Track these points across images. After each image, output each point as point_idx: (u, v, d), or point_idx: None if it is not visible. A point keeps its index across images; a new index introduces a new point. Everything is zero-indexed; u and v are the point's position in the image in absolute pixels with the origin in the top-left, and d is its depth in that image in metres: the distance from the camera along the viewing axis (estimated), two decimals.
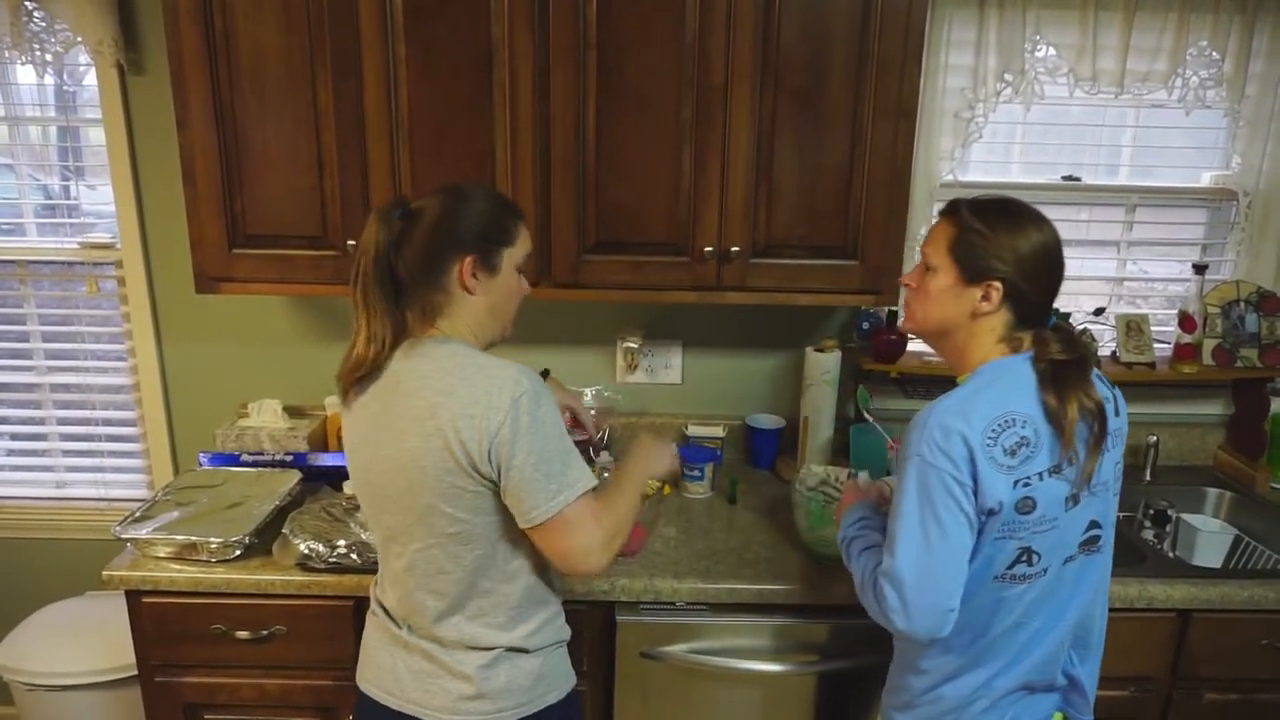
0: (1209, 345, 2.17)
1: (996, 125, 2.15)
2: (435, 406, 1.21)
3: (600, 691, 1.75)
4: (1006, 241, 1.25)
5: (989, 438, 1.20)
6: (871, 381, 2.19)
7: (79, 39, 2.02)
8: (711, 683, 1.72)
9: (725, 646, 1.70)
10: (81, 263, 2.26)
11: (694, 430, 2.20)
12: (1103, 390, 1.29)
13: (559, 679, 1.40)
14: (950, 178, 2.14)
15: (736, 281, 1.84)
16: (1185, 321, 2.15)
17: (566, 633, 1.43)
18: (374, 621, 1.42)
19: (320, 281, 1.86)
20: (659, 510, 1.97)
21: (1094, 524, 1.31)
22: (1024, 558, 1.25)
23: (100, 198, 2.24)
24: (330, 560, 1.68)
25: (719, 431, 2.18)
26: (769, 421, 2.21)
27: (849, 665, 1.70)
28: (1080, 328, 2.16)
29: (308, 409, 2.26)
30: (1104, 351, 2.20)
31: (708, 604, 1.69)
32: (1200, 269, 2.17)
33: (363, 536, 1.70)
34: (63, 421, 2.39)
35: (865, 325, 2.16)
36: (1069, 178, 2.22)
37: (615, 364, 2.23)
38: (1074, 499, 1.26)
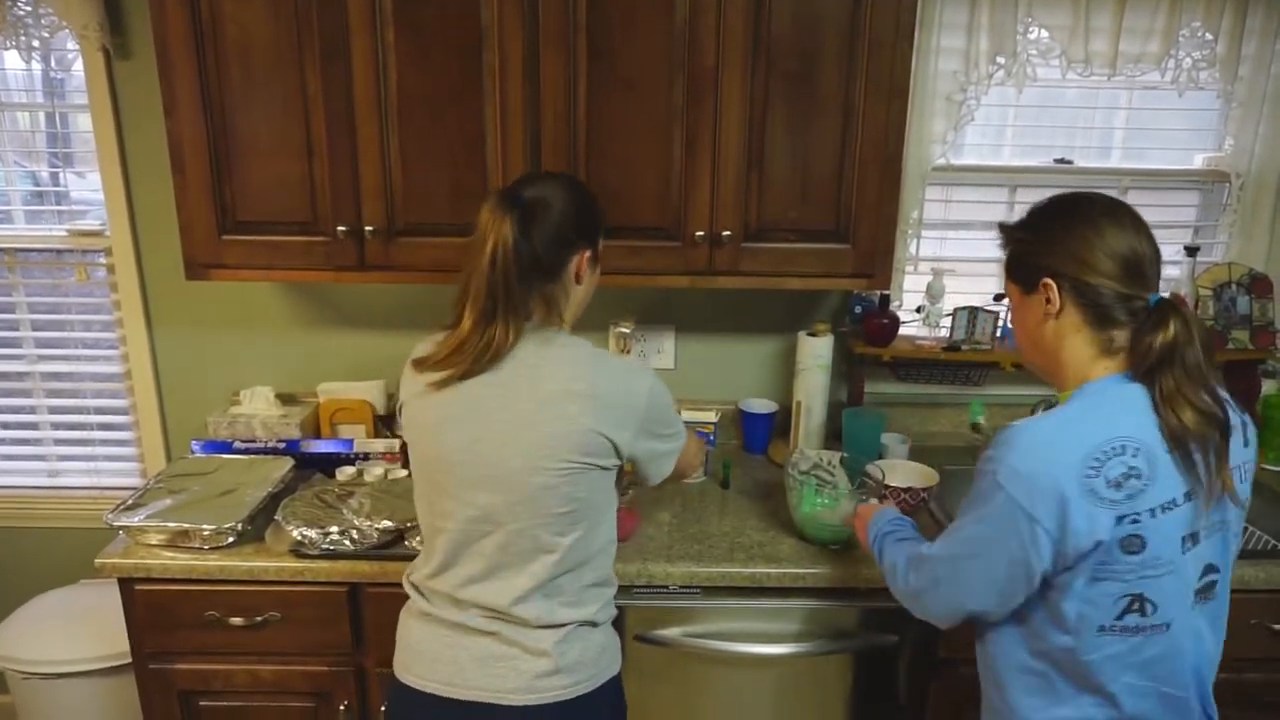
0: None
1: (989, 108, 2.15)
2: (576, 394, 1.27)
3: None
4: (1047, 238, 1.21)
5: (1090, 469, 1.10)
6: (864, 365, 2.19)
7: (64, 24, 2.00)
8: (706, 665, 1.73)
9: (719, 629, 1.70)
10: (71, 250, 2.25)
11: (687, 415, 2.20)
12: (1232, 417, 1.17)
13: (616, 651, 1.43)
14: (942, 161, 2.14)
15: (728, 265, 1.84)
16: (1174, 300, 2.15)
17: (615, 610, 1.45)
18: (418, 613, 1.38)
19: (311, 267, 1.85)
20: (652, 496, 1.97)
21: (1210, 568, 1.19)
22: (1135, 606, 1.14)
23: (89, 185, 2.23)
24: (323, 546, 1.68)
25: (712, 416, 2.19)
26: (762, 406, 2.21)
27: (844, 646, 1.71)
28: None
29: (300, 396, 2.25)
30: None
31: (701, 587, 1.69)
32: (1192, 251, 2.17)
33: (356, 523, 1.70)
34: (54, 410, 2.38)
35: (858, 309, 2.16)
36: (1061, 160, 2.22)
37: (608, 349, 2.23)
38: (1193, 538, 1.15)
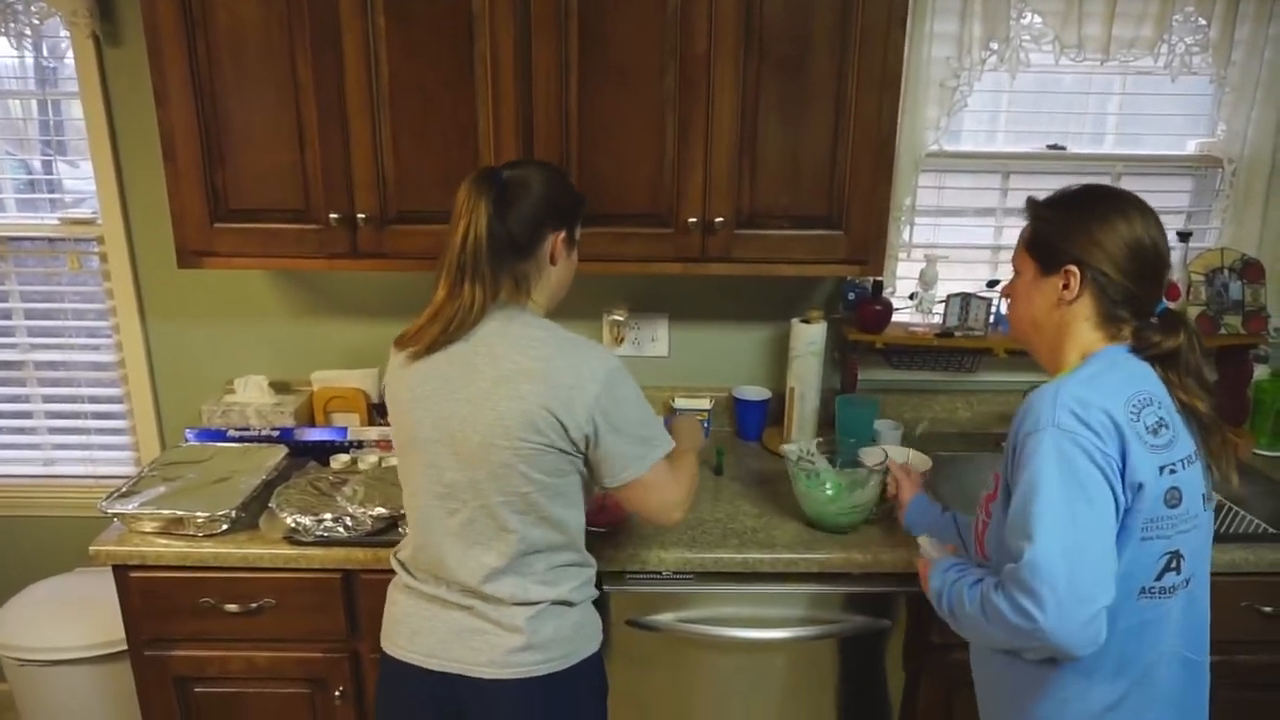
0: (1193, 312, 2.18)
1: (982, 94, 2.14)
2: (531, 373, 1.27)
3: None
4: (1080, 226, 1.21)
5: (1131, 412, 1.11)
6: (857, 352, 2.19)
7: (54, 10, 1.99)
8: (699, 650, 1.74)
9: (712, 615, 1.71)
10: (63, 239, 2.25)
11: (681, 403, 2.21)
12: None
13: (594, 630, 1.44)
14: (936, 147, 2.14)
15: (721, 252, 1.84)
16: (1169, 289, 2.15)
17: (596, 591, 1.47)
18: (403, 587, 1.42)
19: (304, 255, 1.85)
20: None
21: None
22: (1172, 564, 1.15)
23: (83, 174, 2.22)
24: (317, 534, 1.69)
25: (706, 404, 2.19)
26: (755, 393, 2.22)
27: (837, 631, 1.72)
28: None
29: (294, 384, 2.26)
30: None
31: (694, 573, 1.70)
32: (1184, 237, 2.17)
33: (350, 510, 1.71)
34: (48, 399, 2.38)
35: (851, 296, 2.16)
36: (1054, 146, 2.21)
37: (602, 337, 2.23)
38: (1208, 498, 1.20)
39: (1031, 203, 1.30)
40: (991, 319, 2.15)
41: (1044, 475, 1.09)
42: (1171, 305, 1.22)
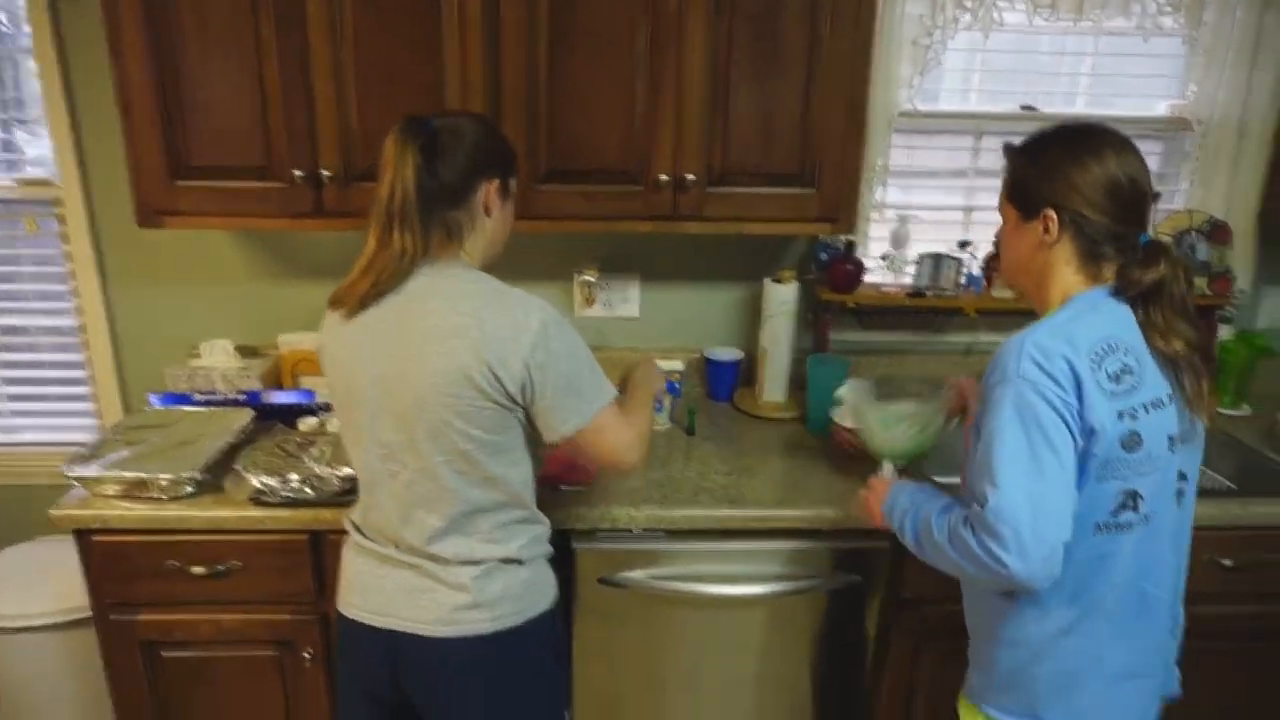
0: None
1: (956, 53, 2.13)
2: (463, 327, 1.24)
3: (560, 619, 1.76)
4: (1053, 170, 1.22)
5: (1093, 360, 1.14)
6: (829, 312, 2.19)
7: None
8: (671, 607, 1.75)
9: (684, 572, 1.71)
10: (20, 201, 2.18)
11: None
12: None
13: (547, 588, 1.43)
14: (909, 106, 2.13)
15: (693, 210, 1.82)
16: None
17: (550, 549, 1.45)
18: (355, 546, 1.41)
19: (268, 214, 1.81)
20: None
21: (1181, 474, 1.27)
22: (1129, 503, 1.19)
23: (42, 142, 2.15)
24: (284, 495, 1.67)
25: (678, 364, 2.18)
26: (727, 354, 2.21)
27: (808, 587, 1.72)
28: None
29: (261, 348, 2.22)
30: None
31: (665, 530, 1.70)
32: (1154, 198, 2.18)
33: (317, 470, 1.69)
34: (7, 365, 2.33)
35: (823, 256, 2.15)
36: (1026, 107, 2.21)
37: (573, 298, 2.21)
38: (1175, 441, 1.21)
39: (1008, 149, 1.31)
40: (963, 279, 2.15)
41: (1008, 423, 1.13)
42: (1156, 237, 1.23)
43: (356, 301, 1.29)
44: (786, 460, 1.92)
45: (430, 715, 1.40)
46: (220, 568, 1.70)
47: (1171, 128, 2.24)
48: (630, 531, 1.69)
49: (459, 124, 1.32)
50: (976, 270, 2.17)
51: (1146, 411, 1.17)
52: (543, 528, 1.43)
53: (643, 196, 1.81)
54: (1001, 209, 1.33)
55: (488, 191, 1.34)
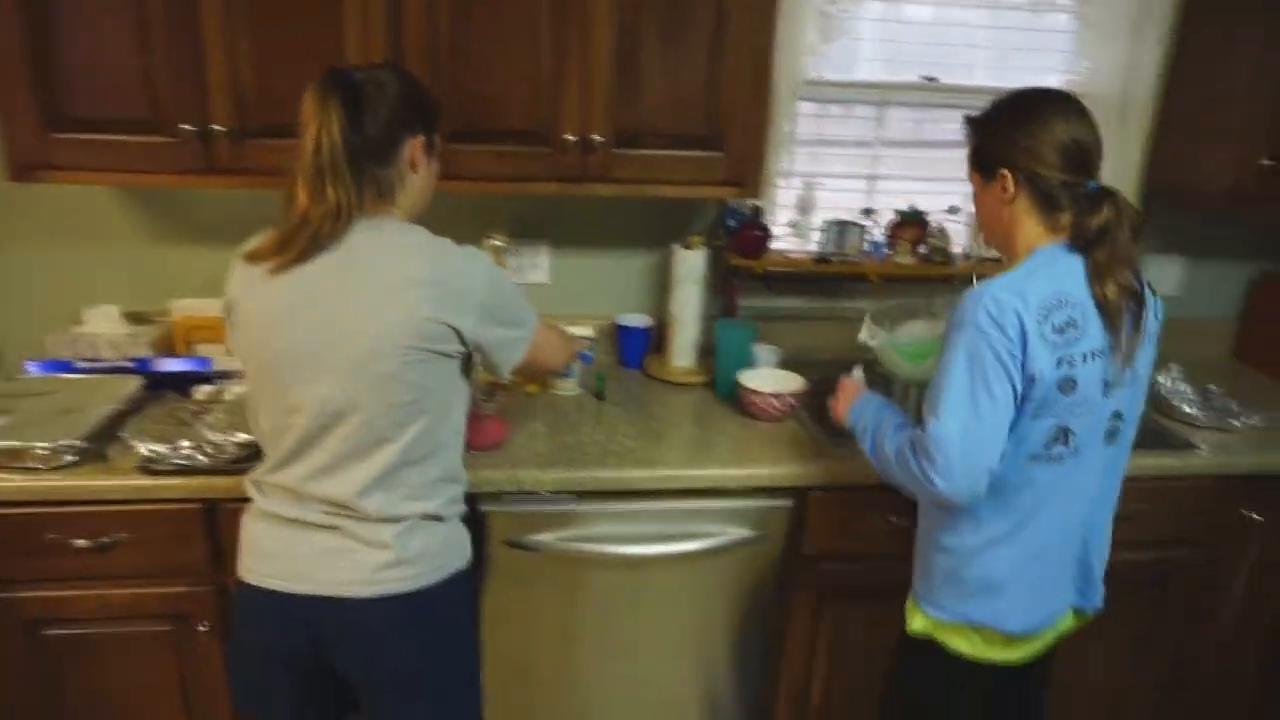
0: None
1: (862, 23, 2.16)
2: (419, 280, 1.24)
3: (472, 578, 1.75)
4: (1005, 135, 1.36)
5: (1041, 314, 1.28)
6: (737, 278, 2.21)
7: None
8: (580, 569, 1.75)
9: (593, 533, 1.72)
10: None
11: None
12: (1147, 295, 1.38)
13: (463, 546, 1.43)
14: (815, 74, 2.15)
15: (600, 172, 1.81)
16: None
17: (465, 508, 1.45)
18: (260, 513, 1.36)
19: (154, 170, 1.73)
20: (523, 406, 1.95)
21: (1117, 414, 1.40)
22: (1061, 438, 1.34)
23: None
24: (175, 462, 1.60)
25: (589, 331, 2.17)
26: (638, 320, 2.21)
27: (714, 546, 1.75)
28: (937, 225, 2.24)
29: (152, 315, 2.12)
30: (956, 249, 2.28)
31: (573, 492, 1.69)
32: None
33: (212, 437, 1.62)
34: None
35: (731, 222, 2.17)
36: (928, 78, 2.26)
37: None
38: (1110, 386, 1.35)
39: (966, 120, 1.46)
40: (866, 246, 2.20)
41: (958, 364, 1.29)
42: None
43: (295, 255, 1.25)
44: (694, 423, 1.93)
45: (352, 677, 1.37)
46: (106, 540, 1.62)
47: None
48: (538, 494, 1.69)
49: (381, 77, 1.29)
50: (880, 236, 2.22)
51: (1084, 360, 1.31)
52: (461, 487, 1.43)
53: (551, 158, 1.79)
54: (969, 175, 1.47)
55: (413, 147, 1.33)
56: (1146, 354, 1.42)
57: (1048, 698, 1.68)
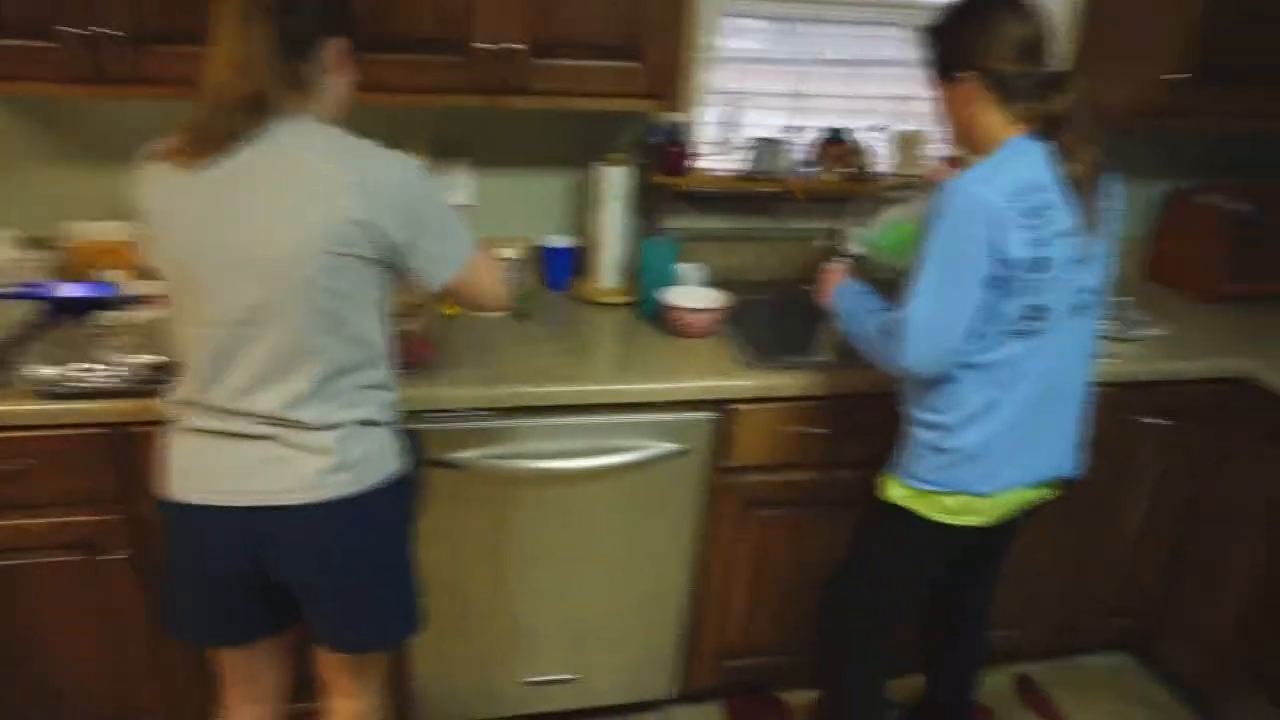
0: None
1: None
2: (344, 183, 1.20)
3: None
4: (960, 36, 1.44)
5: (1013, 201, 1.36)
6: (662, 197, 2.19)
7: None
8: (504, 485, 1.76)
9: (515, 450, 1.72)
10: None
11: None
12: (1109, 170, 1.46)
13: (400, 451, 1.41)
14: None
15: (518, 83, 1.76)
16: None
17: (399, 416, 1.43)
18: (185, 430, 1.32)
19: (35, 78, 1.61)
20: (446, 330, 1.92)
21: (1085, 289, 1.49)
22: (1033, 313, 1.43)
23: None
24: (80, 386, 1.54)
25: (512, 253, 2.14)
26: (563, 241, 2.19)
27: (640, 459, 1.77)
28: (862, 143, 2.24)
29: (48, 240, 2.01)
30: (881, 165, 2.29)
31: (492, 409, 1.69)
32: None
33: (119, 359, 1.56)
34: None
35: (655, 139, 2.13)
36: None
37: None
38: (1078, 262, 1.44)
39: (921, 30, 1.52)
40: (793, 164, 2.19)
41: (934, 255, 1.40)
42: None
43: (208, 150, 1.19)
44: (619, 341, 1.93)
45: (296, 586, 1.36)
46: (13, 468, 1.56)
47: None
48: (457, 412, 1.67)
49: None
50: (806, 154, 2.22)
51: (1055, 240, 1.40)
52: (394, 394, 1.41)
53: (466, 68, 1.73)
54: (932, 83, 1.53)
55: (335, 48, 1.28)
56: (1108, 229, 1.50)
57: (1003, 564, 1.83)
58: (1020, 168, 1.39)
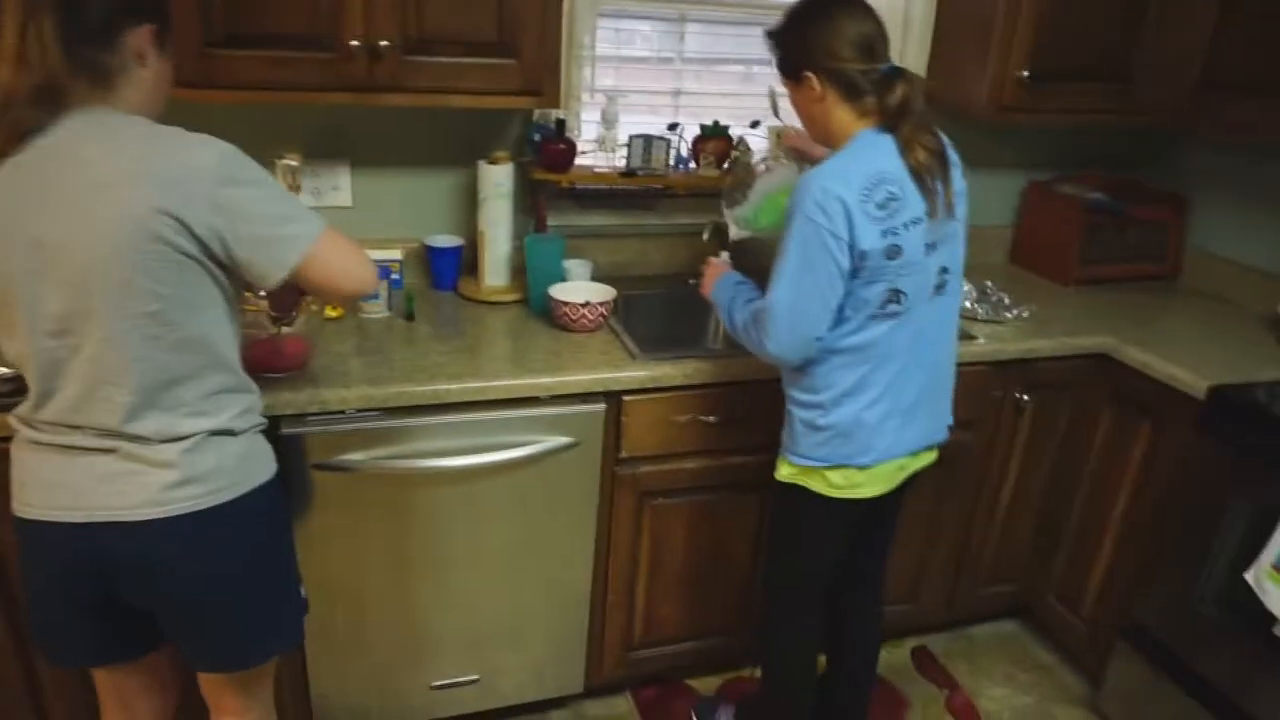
0: None
1: None
2: (133, 174, 1.12)
3: (282, 491, 1.68)
4: (801, 38, 1.51)
5: (864, 194, 1.43)
6: (545, 194, 2.20)
7: None
8: (395, 486, 1.73)
9: (404, 450, 1.70)
10: None
11: (370, 255, 2.11)
12: (952, 155, 1.55)
13: (265, 459, 1.36)
14: None
15: (390, 81, 1.74)
16: None
17: (264, 419, 1.37)
18: (28, 444, 1.25)
19: None
20: (329, 333, 1.88)
21: (944, 269, 1.57)
22: (893, 298, 1.50)
23: None
24: None
25: (396, 254, 2.11)
26: (447, 241, 2.17)
27: (530, 454, 1.76)
28: (739, 138, 2.30)
29: None
30: (757, 160, 2.35)
31: (381, 409, 1.66)
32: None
33: None
34: None
35: (536, 137, 2.15)
36: None
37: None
38: (932, 246, 1.52)
39: (768, 34, 1.59)
40: (672, 160, 2.24)
41: (791, 248, 1.47)
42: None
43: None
44: (507, 337, 1.93)
45: (148, 606, 1.30)
46: None
47: None
48: (343, 413, 1.64)
49: None
50: (685, 151, 2.27)
51: (907, 229, 1.47)
52: (253, 397, 1.35)
53: (336, 65, 1.70)
54: (784, 85, 1.59)
55: (140, 36, 1.20)
56: (960, 210, 1.59)
57: (893, 534, 1.91)
58: (870, 160, 1.46)
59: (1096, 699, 2.26)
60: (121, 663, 1.42)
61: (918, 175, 1.47)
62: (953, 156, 1.56)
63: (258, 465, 1.34)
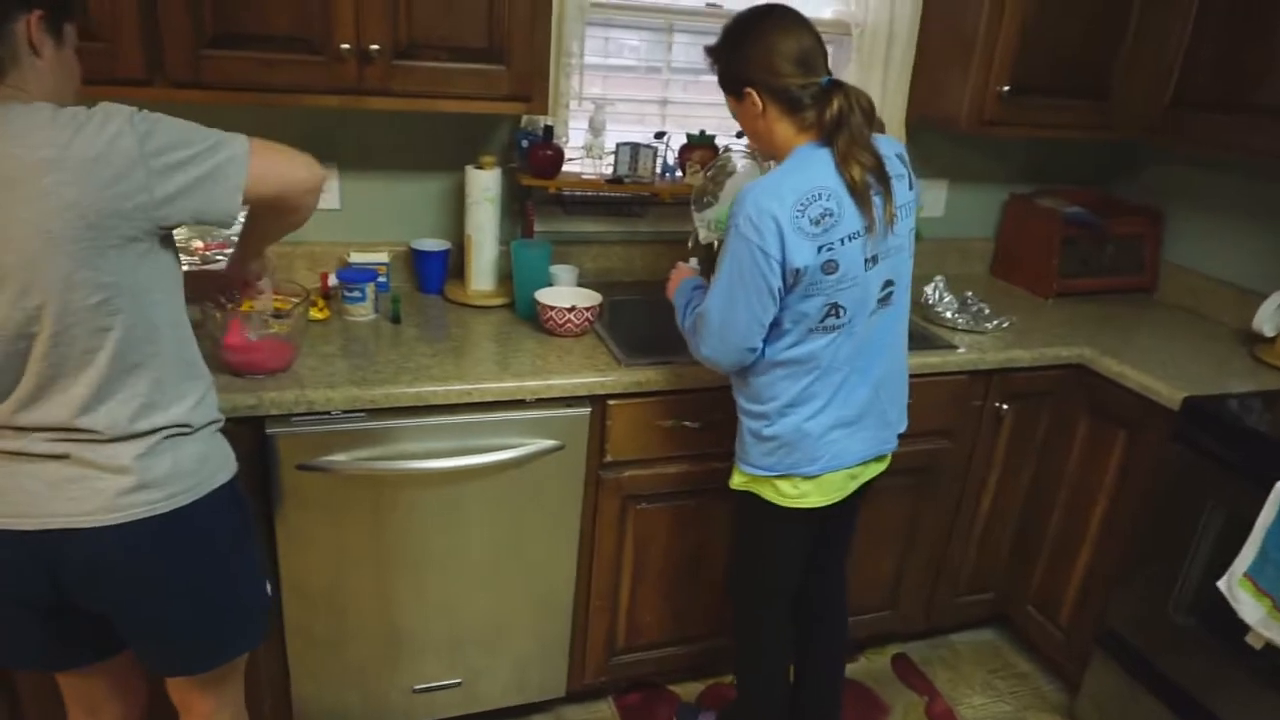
0: None
1: None
2: (51, 160, 1.08)
3: (258, 512, 1.68)
4: (739, 54, 1.51)
5: (798, 211, 1.43)
6: (532, 199, 2.22)
7: None
8: (380, 488, 1.73)
9: (390, 451, 1.70)
10: None
11: (356, 257, 2.12)
12: (898, 168, 1.54)
13: (224, 459, 1.34)
14: None
15: (380, 85, 1.76)
16: None
17: (221, 414, 1.35)
18: None
19: None
20: (315, 335, 1.88)
21: (889, 283, 1.57)
22: (832, 312, 1.51)
23: None
24: None
25: (383, 257, 2.12)
26: (434, 244, 2.18)
27: (515, 457, 1.77)
28: (724, 147, 2.33)
29: None
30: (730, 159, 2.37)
31: (366, 410, 1.66)
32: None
33: None
34: None
35: (524, 143, 2.16)
36: (711, 4, 2.33)
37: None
38: (873, 260, 1.51)
39: (708, 50, 1.59)
40: (658, 168, 2.26)
41: (726, 261, 1.49)
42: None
43: None
44: (493, 341, 1.94)
45: (107, 616, 1.28)
46: None
47: (835, 30, 2.47)
48: (329, 414, 1.64)
49: None
50: (671, 159, 2.29)
51: (843, 244, 1.47)
52: (207, 384, 1.32)
53: (325, 67, 1.72)
54: (726, 100, 1.59)
55: (29, 24, 1.13)
56: (907, 223, 1.58)
57: (853, 536, 1.93)
58: (807, 176, 1.45)
59: (1074, 706, 2.28)
60: (79, 668, 1.40)
61: (854, 191, 1.46)
62: (897, 169, 1.53)
63: (217, 466, 1.32)
